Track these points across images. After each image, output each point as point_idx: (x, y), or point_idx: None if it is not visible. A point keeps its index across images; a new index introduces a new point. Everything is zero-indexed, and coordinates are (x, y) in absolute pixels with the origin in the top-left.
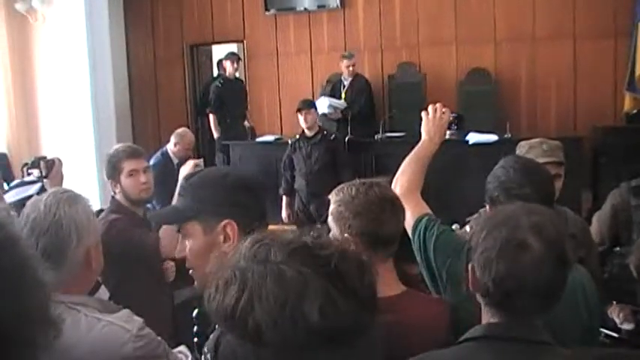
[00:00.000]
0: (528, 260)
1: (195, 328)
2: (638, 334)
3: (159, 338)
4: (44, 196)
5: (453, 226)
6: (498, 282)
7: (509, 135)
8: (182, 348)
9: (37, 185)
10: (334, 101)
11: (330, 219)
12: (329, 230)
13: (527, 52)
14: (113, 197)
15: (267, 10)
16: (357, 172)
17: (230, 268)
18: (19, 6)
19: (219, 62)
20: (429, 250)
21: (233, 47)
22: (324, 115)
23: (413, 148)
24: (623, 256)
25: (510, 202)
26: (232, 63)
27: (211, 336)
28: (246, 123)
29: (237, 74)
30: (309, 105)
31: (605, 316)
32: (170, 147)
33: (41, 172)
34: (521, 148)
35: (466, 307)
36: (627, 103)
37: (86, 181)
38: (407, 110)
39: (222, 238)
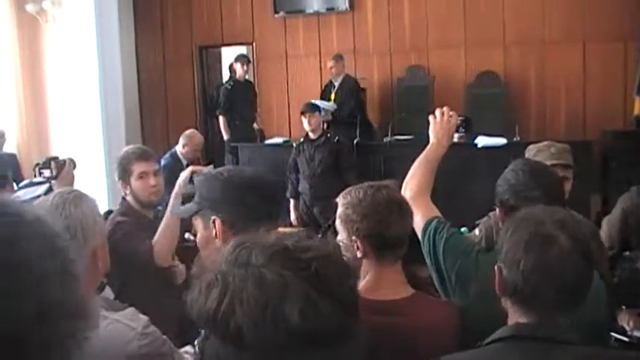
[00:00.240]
0: (555, 253)
1: (203, 332)
2: None
3: (164, 337)
4: (51, 196)
5: (462, 230)
6: (527, 276)
7: (519, 138)
8: (188, 348)
9: (45, 186)
10: (324, 103)
11: (337, 222)
12: (336, 233)
13: (536, 55)
14: (124, 198)
15: (276, 12)
16: (363, 174)
17: (212, 272)
18: (29, 7)
19: (231, 65)
20: (438, 252)
21: (242, 50)
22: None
23: (421, 151)
24: (633, 261)
25: (520, 204)
26: (242, 65)
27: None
28: (255, 125)
29: (246, 76)
30: (312, 108)
31: (615, 321)
32: (179, 148)
33: (52, 172)
34: (530, 152)
35: (475, 310)
36: (637, 107)
37: (95, 183)
38: (415, 113)
39: (214, 233)
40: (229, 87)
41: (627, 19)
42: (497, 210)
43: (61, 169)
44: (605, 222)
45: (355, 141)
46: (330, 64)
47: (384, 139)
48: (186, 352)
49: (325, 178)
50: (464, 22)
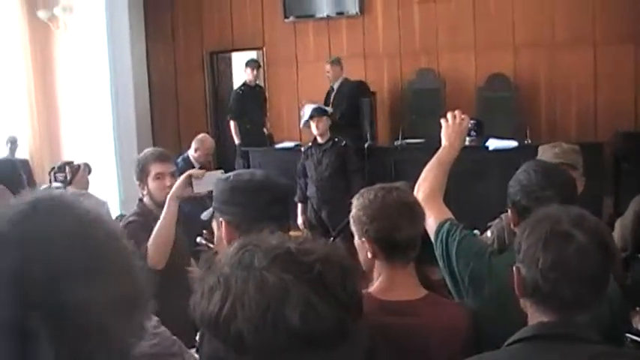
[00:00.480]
0: (573, 250)
1: None
2: None
3: (174, 337)
4: None
5: (474, 232)
6: (545, 274)
7: (529, 141)
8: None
9: (59, 191)
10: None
11: (351, 223)
12: (346, 238)
13: (546, 58)
14: (141, 200)
15: (286, 17)
16: (373, 178)
17: (215, 274)
18: (41, 14)
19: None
20: (451, 254)
21: (252, 54)
22: (307, 121)
23: (432, 154)
24: None
25: (532, 205)
26: (252, 70)
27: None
28: (264, 130)
29: (257, 81)
30: (320, 112)
31: (629, 323)
32: (191, 152)
33: (66, 176)
34: (539, 153)
35: (488, 312)
36: None
37: (106, 188)
38: (426, 116)
39: (223, 233)
40: (240, 92)
41: (637, 21)
42: (510, 211)
43: (75, 173)
44: (617, 224)
45: (366, 144)
46: (326, 67)
47: (395, 143)
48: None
49: (332, 181)
50: (474, 24)
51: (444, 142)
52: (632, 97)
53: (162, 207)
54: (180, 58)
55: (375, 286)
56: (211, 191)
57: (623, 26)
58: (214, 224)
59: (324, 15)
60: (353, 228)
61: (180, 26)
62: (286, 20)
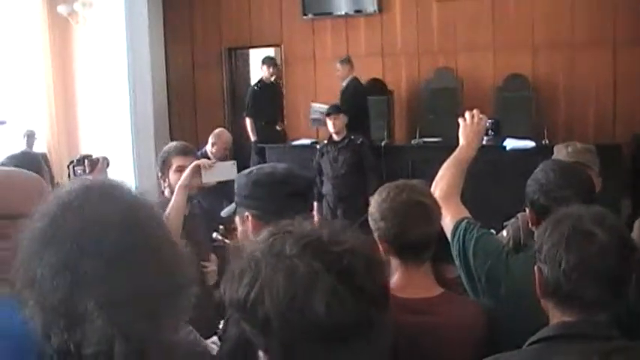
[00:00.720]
0: (596, 248)
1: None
2: None
3: (190, 327)
4: None
5: (490, 231)
6: (568, 273)
7: (547, 141)
8: (215, 339)
9: None
10: (319, 106)
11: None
12: (367, 233)
13: (565, 58)
14: (162, 193)
15: (304, 14)
16: (390, 176)
17: (246, 259)
18: (61, 9)
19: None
20: (468, 253)
21: (270, 51)
22: (314, 120)
23: (449, 153)
24: None
25: (550, 204)
26: (269, 67)
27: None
28: (277, 127)
29: (272, 78)
30: (337, 110)
31: None
32: (209, 147)
33: (85, 170)
34: (554, 153)
35: (504, 311)
36: None
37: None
38: (443, 115)
39: (248, 228)
40: (256, 89)
41: None
42: (528, 211)
43: (94, 166)
44: (636, 225)
45: (383, 143)
46: (337, 66)
47: (412, 141)
48: (214, 343)
49: (348, 179)
50: (492, 24)
51: (461, 141)
52: None
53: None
54: (198, 54)
55: (391, 282)
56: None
57: None
58: (237, 219)
59: (342, 13)
60: (370, 222)
61: (199, 22)
62: (304, 18)
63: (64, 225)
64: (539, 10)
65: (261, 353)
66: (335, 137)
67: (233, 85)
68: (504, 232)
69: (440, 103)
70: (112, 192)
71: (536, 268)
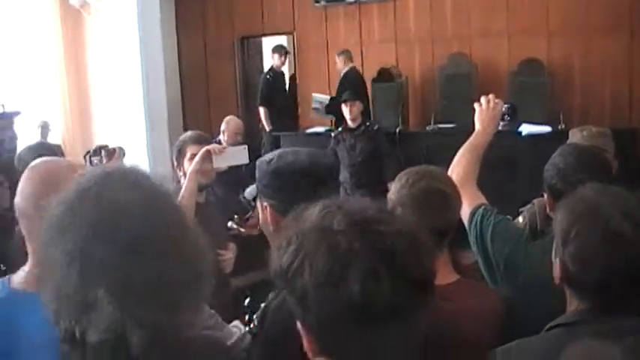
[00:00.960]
0: (615, 235)
1: (247, 317)
2: None
3: (212, 311)
4: None
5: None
6: (587, 260)
7: (563, 126)
8: (236, 322)
9: None
10: (319, 97)
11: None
12: None
13: (581, 43)
14: (178, 182)
15: (316, 1)
16: (405, 162)
17: (295, 230)
18: (73, 0)
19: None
20: (486, 239)
21: (283, 40)
22: (314, 109)
23: (464, 139)
24: None
25: (568, 189)
26: (280, 56)
27: (262, 305)
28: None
29: (283, 67)
30: (354, 97)
31: None
32: (221, 136)
33: (101, 159)
34: (569, 137)
35: (523, 297)
36: None
37: None
38: (457, 101)
39: (268, 218)
40: (269, 78)
41: None
42: (546, 196)
43: (111, 156)
44: None
45: (397, 129)
46: (336, 59)
47: (426, 128)
48: (235, 327)
49: (365, 166)
50: (507, 9)
51: (477, 126)
52: None
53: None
54: (211, 43)
55: None
56: (238, 171)
57: None
58: (258, 204)
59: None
60: None
61: (211, 11)
62: (317, 5)
63: (80, 212)
64: None
65: (299, 324)
66: (351, 124)
67: (246, 74)
68: (520, 219)
69: (454, 89)
70: (131, 179)
71: (553, 253)
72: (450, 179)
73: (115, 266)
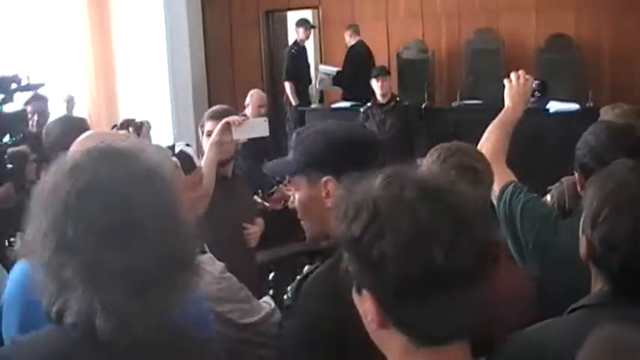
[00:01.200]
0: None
1: (271, 292)
2: None
3: (241, 284)
4: None
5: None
6: (615, 241)
7: (591, 104)
8: (266, 298)
9: None
10: (326, 68)
11: None
12: None
13: (610, 18)
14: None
15: None
16: (430, 139)
17: (362, 199)
18: None
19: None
20: (515, 217)
21: (307, 14)
22: (320, 81)
23: (491, 115)
24: None
25: (600, 168)
26: (305, 30)
27: (297, 278)
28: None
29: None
30: (385, 72)
31: None
32: (246, 110)
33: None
34: (600, 115)
35: (551, 276)
36: None
37: (162, 145)
38: (484, 77)
39: (324, 193)
40: (294, 52)
41: None
42: (577, 174)
43: (138, 131)
44: None
45: (423, 105)
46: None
47: (452, 104)
48: (265, 302)
49: (395, 142)
50: None
51: (507, 103)
52: None
53: (219, 164)
54: (236, 17)
55: None
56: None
57: None
58: (295, 182)
59: None
60: None
61: None
62: None
63: (57, 189)
64: None
65: (365, 292)
66: (380, 99)
67: (271, 49)
68: (548, 197)
69: (481, 65)
70: (117, 157)
71: (581, 232)
72: (482, 155)
73: (84, 246)
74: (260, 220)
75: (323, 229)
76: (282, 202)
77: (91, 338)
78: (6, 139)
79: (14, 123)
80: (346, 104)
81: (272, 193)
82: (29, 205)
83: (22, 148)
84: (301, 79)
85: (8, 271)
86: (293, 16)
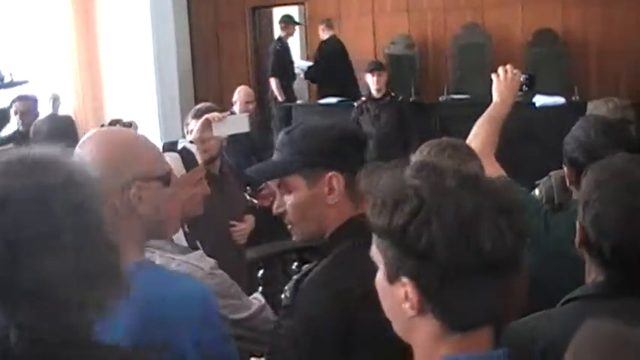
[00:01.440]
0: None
1: (260, 289)
2: None
3: (232, 281)
4: None
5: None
6: (611, 232)
7: (577, 98)
8: (257, 295)
9: None
10: (301, 63)
11: None
12: None
13: (597, 12)
14: None
15: None
16: (422, 133)
17: (398, 186)
18: None
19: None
20: None
21: (294, 10)
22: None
23: (478, 110)
24: None
25: (591, 163)
26: (287, 26)
27: (294, 277)
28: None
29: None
30: (380, 67)
31: None
32: (234, 106)
33: None
34: (588, 109)
35: (542, 269)
36: None
37: None
38: (471, 72)
39: (326, 190)
40: (279, 48)
41: None
42: (566, 169)
43: None
44: None
45: (411, 99)
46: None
47: (439, 99)
48: (255, 298)
49: (391, 137)
50: None
51: (495, 97)
52: None
53: (206, 162)
54: (222, 13)
55: None
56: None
57: None
58: (293, 182)
59: None
60: None
61: None
62: None
63: None
64: None
65: (404, 279)
66: (375, 94)
67: (257, 45)
68: (536, 192)
69: (467, 60)
70: (30, 169)
71: (577, 223)
72: (472, 150)
73: None
74: (250, 217)
75: (321, 227)
76: (271, 198)
77: (8, 354)
78: None
79: None
80: (333, 100)
81: (261, 190)
82: None
83: (9, 147)
84: (285, 76)
85: None
86: (279, 13)
